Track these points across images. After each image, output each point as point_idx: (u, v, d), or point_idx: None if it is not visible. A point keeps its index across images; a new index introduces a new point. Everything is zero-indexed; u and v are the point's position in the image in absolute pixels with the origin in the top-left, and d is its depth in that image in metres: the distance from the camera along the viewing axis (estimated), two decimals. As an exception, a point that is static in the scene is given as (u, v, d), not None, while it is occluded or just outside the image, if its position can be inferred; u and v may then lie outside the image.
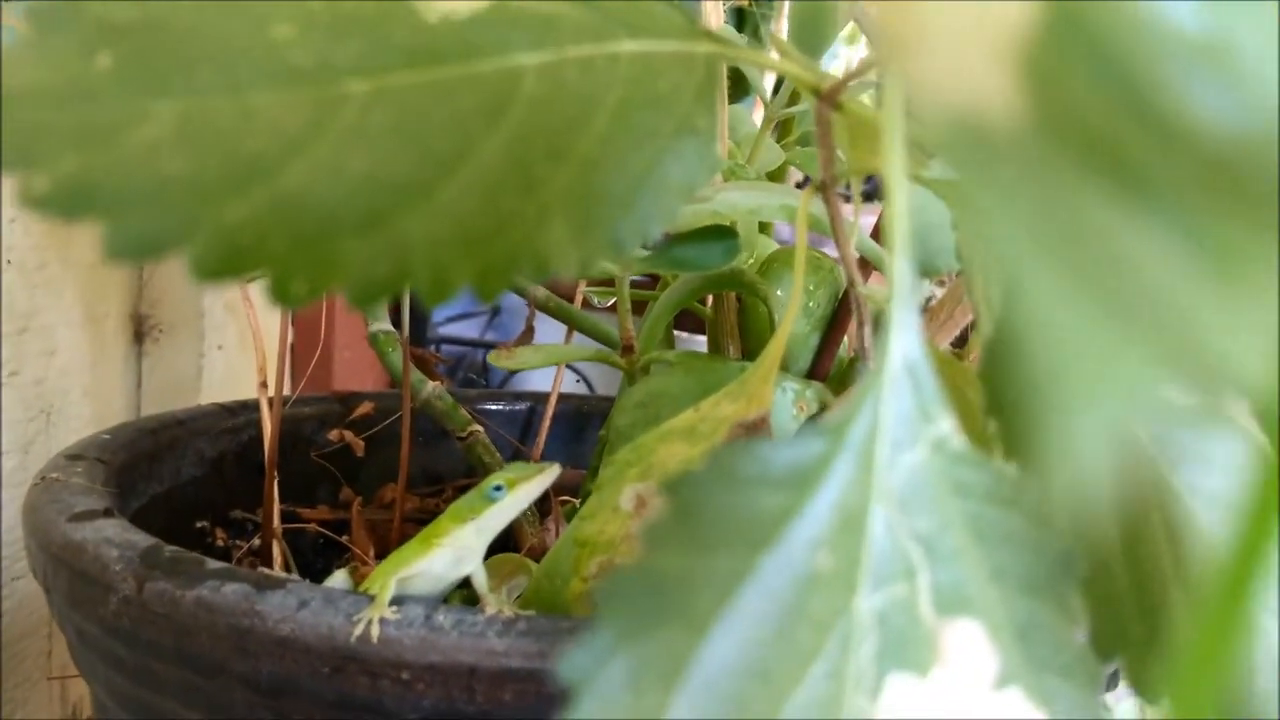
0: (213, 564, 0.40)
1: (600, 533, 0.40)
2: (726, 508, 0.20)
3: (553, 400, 0.79)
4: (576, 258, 0.22)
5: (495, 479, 0.42)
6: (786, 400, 0.44)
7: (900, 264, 0.23)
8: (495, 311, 1.59)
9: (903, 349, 0.23)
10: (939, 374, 0.23)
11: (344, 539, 0.63)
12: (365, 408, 0.74)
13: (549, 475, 0.42)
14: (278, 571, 0.42)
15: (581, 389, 1.31)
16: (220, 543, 0.62)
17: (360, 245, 0.20)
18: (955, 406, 0.23)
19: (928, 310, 0.50)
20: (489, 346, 1.43)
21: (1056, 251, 0.12)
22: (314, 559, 0.65)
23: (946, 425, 0.22)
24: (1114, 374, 0.11)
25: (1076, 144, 0.13)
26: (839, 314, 0.51)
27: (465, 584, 0.43)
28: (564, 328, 0.77)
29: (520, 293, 0.73)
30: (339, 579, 0.45)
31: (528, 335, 0.80)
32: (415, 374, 0.69)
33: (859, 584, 0.21)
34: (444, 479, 0.76)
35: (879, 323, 0.45)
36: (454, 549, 0.42)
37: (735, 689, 0.20)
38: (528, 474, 0.42)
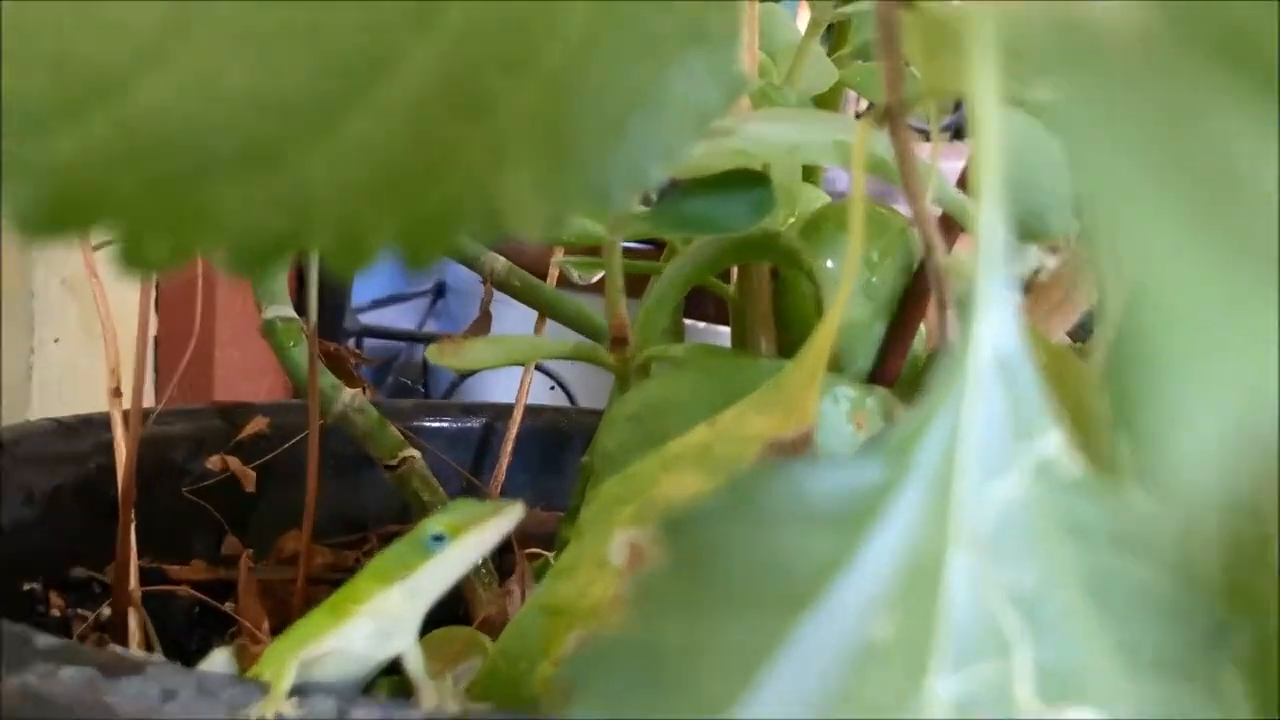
0: (45, 640, 0.40)
1: (580, 596, 0.40)
2: (750, 556, 0.20)
3: (517, 414, 0.80)
4: (542, 211, 0.22)
5: (434, 524, 0.42)
6: (838, 412, 0.44)
7: (990, 221, 0.23)
8: (438, 292, 1.59)
9: (992, 338, 0.23)
10: (1045, 373, 0.23)
11: (227, 607, 0.64)
12: (257, 425, 0.74)
13: (508, 518, 0.42)
14: (135, 651, 0.42)
15: (559, 399, 1.32)
16: (56, 612, 0.62)
17: (241, 190, 0.20)
18: (1069, 418, 0.23)
19: (1034, 287, 0.50)
20: (429, 340, 1.43)
21: (1184, 195, 0.12)
22: (186, 634, 0.65)
23: (1054, 443, 0.23)
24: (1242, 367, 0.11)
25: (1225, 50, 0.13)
26: (913, 293, 0.51)
27: (395, 668, 0.43)
28: (532, 314, 0.78)
29: (470, 264, 0.73)
30: (219, 660, 0.45)
31: (482, 324, 0.80)
32: (328, 378, 0.69)
33: (932, 662, 0.21)
34: (366, 524, 0.77)
35: (965, 304, 0.45)
36: (378, 620, 0.42)
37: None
38: (479, 517, 0.42)
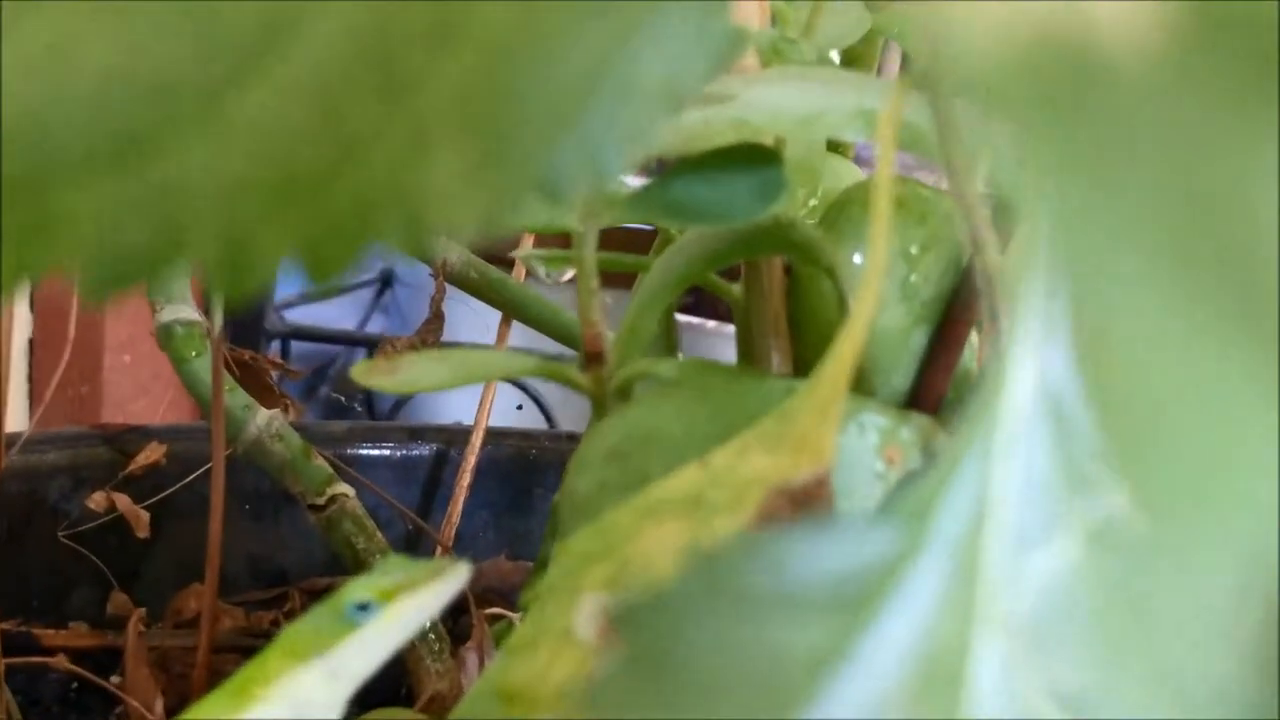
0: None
1: (540, 679, 0.40)
2: (725, 652, 0.20)
3: (476, 439, 0.80)
4: (475, 206, 0.22)
5: (359, 589, 0.42)
6: (865, 446, 0.44)
7: (1038, 211, 0.23)
8: (384, 283, 1.59)
9: (1038, 367, 0.23)
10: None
11: (112, 682, 0.64)
12: (152, 454, 0.74)
13: (451, 582, 0.43)
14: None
15: (530, 419, 1.32)
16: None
17: (96, 194, 0.20)
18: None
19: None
20: (372, 343, 1.42)
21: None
22: (62, 716, 0.65)
23: (1116, 501, 0.23)
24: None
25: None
26: (963, 294, 0.51)
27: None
28: (496, 313, 0.78)
29: (421, 257, 0.74)
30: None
31: (433, 327, 0.80)
32: (239, 395, 0.69)
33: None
34: (287, 577, 0.77)
35: (1006, 321, 0.45)
36: (290, 705, 0.42)
37: None
38: (415, 580, 0.42)
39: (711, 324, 1.28)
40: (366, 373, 0.47)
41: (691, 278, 0.50)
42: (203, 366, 0.68)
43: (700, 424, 0.44)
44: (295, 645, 0.42)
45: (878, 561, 0.21)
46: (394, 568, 0.43)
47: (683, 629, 0.20)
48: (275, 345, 1.37)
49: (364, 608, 0.42)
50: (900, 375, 0.51)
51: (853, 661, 0.21)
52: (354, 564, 0.67)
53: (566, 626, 0.40)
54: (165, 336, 0.69)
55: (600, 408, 0.49)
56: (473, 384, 0.52)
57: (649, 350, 0.53)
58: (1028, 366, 0.23)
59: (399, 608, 0.42)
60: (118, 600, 0.72)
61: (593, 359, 0.48)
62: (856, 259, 0.49)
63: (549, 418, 1.34)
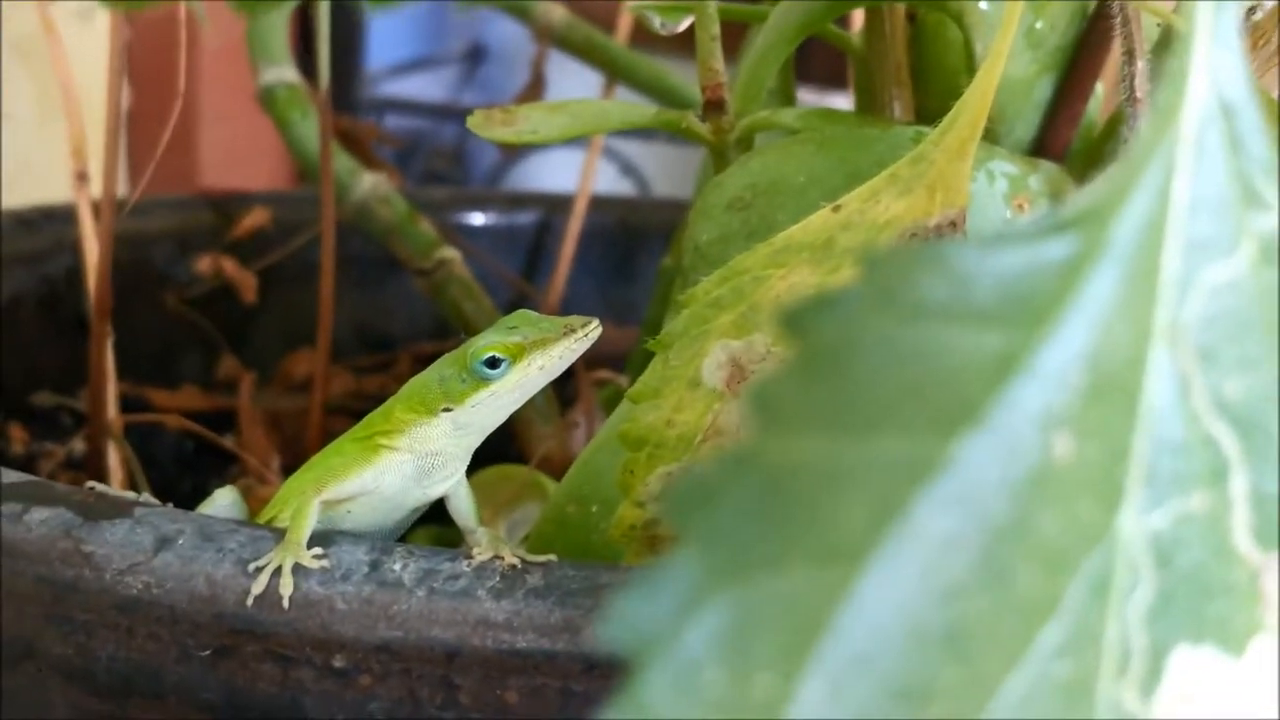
0: (10, 476, 0.41)
1: (667, 425, 0.40)
2: (898, 358, 0.20)
3: (580, 206, 0.79)
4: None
5: (488, 343, 0.42)
6: (994, 192, 0.44)
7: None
8: (474, 57, 1.57)
9: (1215, 81, 0.22)
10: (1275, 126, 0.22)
11: (227, 442, 0.65)
12: (257, 218, 0.74)
13: (583, 339, 0.43)
14: (118, 491, 0.43)
15: (628, 188, 1.31)
16: (19, 446, 0.63)
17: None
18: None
19: (1246, 32, 0.49)
20: (465, 115, 1.42)
21: None
22: (178, 475, 0.67)
23: (1287, 217, 0.22)
24: None
25: None
26: (1089, 40, 0.50)
27: (439, 513, 0.44)
28: (597, 81, 0.77)
29: (519, 13, 0.73)
30: (224, 501, 0.46)
31: (534, 92, 0.79)
32: (342, 160, 0.69)
33: (1126, 491, 0.21)
34: (395, 342, 0.77)
35: (1163, 51, 0.44)
36: (417, 456, 0.42)
37: (906, 666, 0.20)
38: (545, 336, 0.42)
39: (811, 95, 1.27)
40: (484, 124, 0.47)
41: (810, 26, 0.50)
42: (308, 130, 0.68)
43: (825, 171, 0.44)
44: (424, 396, 0.43)
45: (1051, 270, 0.21)
46: (524, 323, 0.43)
47: (854, 336, 0.20)
48: (373, 116, 1.36)
49: (494, 362, 0.42)
50: (1025, 125, 0.50)
51: (1027, 369, 0.21)
52: (462, 328, 0.67)
53: (694, 374, 0.40)
54: (268, 99, 0.69)
55: (720, 159, 0.48)
56: (586, 134, 0.51)
57: (769, 102, 0.52)
58: (1205, 81, 0.22)
59: (529, 365, 0.42)
60: (227, 364, 0.73)
61: (713, 108, 0.48)
62: (983, 5, 0.48)
63: (646, 186, 1.33)
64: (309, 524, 0.39)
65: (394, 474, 0.43)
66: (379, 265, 0.74)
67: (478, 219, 0.82)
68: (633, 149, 1.31)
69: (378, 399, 0.45)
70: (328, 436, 0.56)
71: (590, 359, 0.73)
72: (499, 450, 0.64)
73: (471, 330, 0.67)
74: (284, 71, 0.69)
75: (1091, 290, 0.21)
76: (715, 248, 0.45)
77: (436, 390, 0.42)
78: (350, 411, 0.67)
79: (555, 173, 1.22)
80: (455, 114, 1.46)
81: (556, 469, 0.60)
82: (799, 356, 0.19)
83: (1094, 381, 0.21)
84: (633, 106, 0.51)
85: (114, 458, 0.58)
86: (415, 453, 0.43)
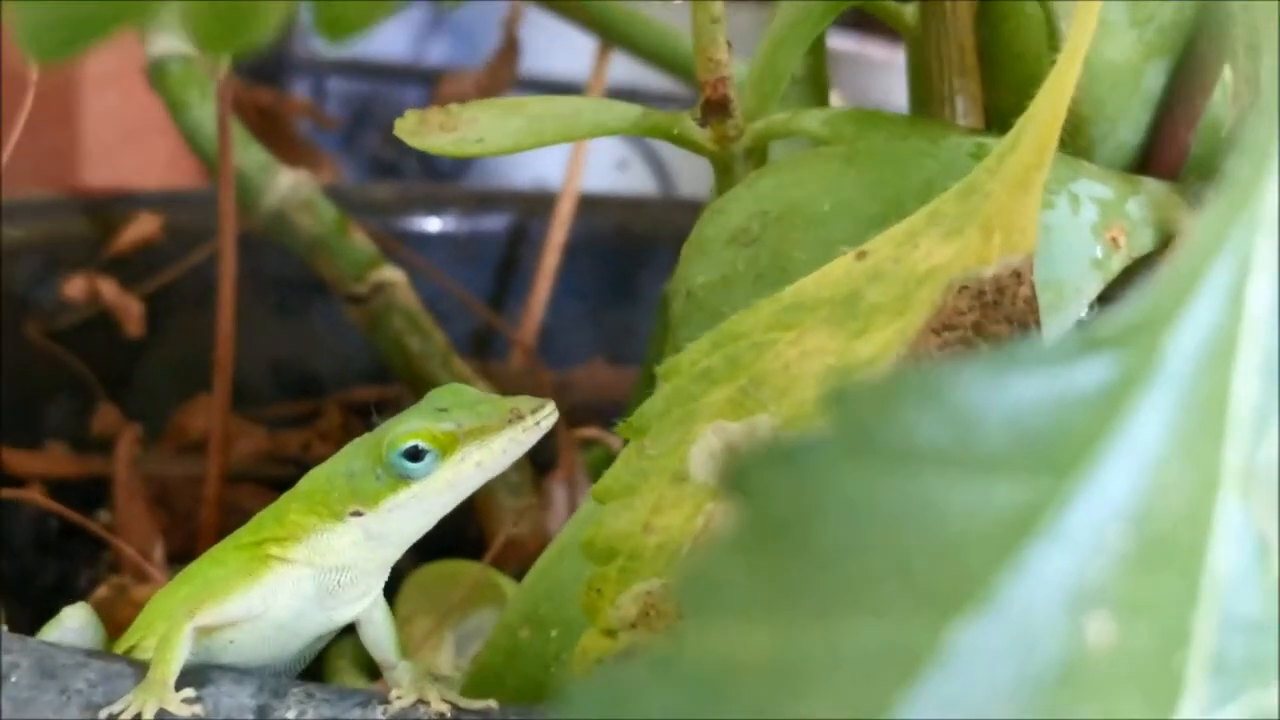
0: None
1: (645, 530, 0.39)
2: (875, 519, 0.20)
3: (565, 207, 0.79)
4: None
5: (409, 429, 0.42)
6: (1080, 224, 0.43)
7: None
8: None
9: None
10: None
11: (99, 521, 0.65)
12: (144, 227, 0.74)
13: (532, 429, 0.43)
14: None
15: (638, 179, 1.30)
16: None
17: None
18: None
19: None
20: (429, 77, 1.41)
21: None
22: (37, 563, 0.67)
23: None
24: None
25: None
26: (1210, 21, 0.50)
27: (350, 636, 0.44)
28: (589, 43, 0.77)
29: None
30: (72, 624, 0.46)
31: (505, 60, 0.80)
32: (254, 153, 0.69)
33: (1186, 685, 0.21)
34: (322, 387, 0.77)
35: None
36: (318, 572, 0.42)
37: None
38: (484, 424, 0.42)
39: (880, 50, 1.25)
40: (414, 130, 0.47)
41: (848, -1, 0.50)
42: (208, 114, 0.68)
43: (857, 196, 0.43)
44: (326, 497, 0.43)
45: (1088, 398, 0.21)
46: (456, 401, 0.43)
47: (819, 490, 0.19)
48: (306, 84, 1.35)
49: (416, 456, 0.42)
50: (1129, 127, 0.50)
51: (1055, 531, 0.21)
52: (405, 370, 0.67)
53: (677, 466, 0.40)
54: (159, 76, 0.69)
55: (725, 174, 0.48)
56: (553, 144, 0.51)
57: (792, 96, 0.52)
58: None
59: (460, 465, 0.42)
60: (105, 415, 0.73)
61: (715, 108, 0.47)
62: (1071, -23, 0.48)
63: (666, 176, 1.32)
64: (179, 657, 0.39)
65: (289, 594, 0.42)
66: (303, 287, 0.74)
67: (432, 225, 0.82)
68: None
69: (297, 462, 0.45)
70: (229, 513, 0.55)
71: (576, 411, 0.73)
72: (454, 532, 0.63)
73: (412, 372, 0.67)
74: (179, 41, 0.69)
75: (1138, 426, 0.21)
76: (714, 293, 0.45)
77: (344, 487, 0.42)
78: (262, 479, 0.67)
79: (544, 156, 1.22)
80: (417, 77, 1.46)
81: (525, 560, 0.60)
82: (745, 523, 0.19)
83: (1142, 545, 0.20)
84: (611, 107, 0.51)
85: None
86: (316, 567, 0.42)
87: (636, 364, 0.70)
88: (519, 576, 0.56)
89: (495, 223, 0.83)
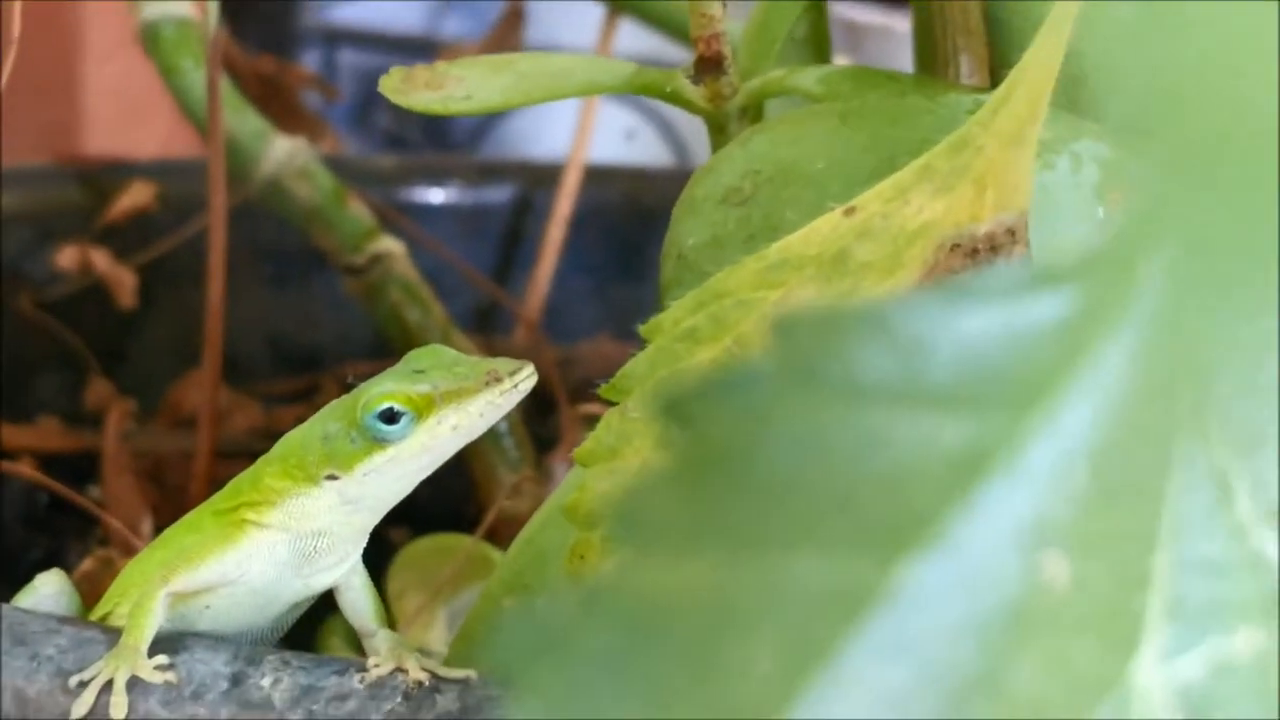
0: None
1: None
2: (818, 453, 0.20)
3: (571, 178, 0.79)
4: None
5: (384, 391, 0.42)
6: (1081, 183, 0.43)
7: None
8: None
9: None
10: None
11: (91, 496, 0.65)
12: (138, 195, 0.74)
13: (510, 391, 0.43)
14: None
15: (647, 149, 1.30)
16: None
17: None
18: None
19: None
20: (441, 51, 1.42)
21: None
22: (26, 538, 0.67)
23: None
24: None
25: None
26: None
27: (329, 607, 0.44)
28: (595, 10, 0.77)
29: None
30: (47, 590, 0.46)
31: (510, 27, 0.80)
32: (249, 120, 0.69)
33: (1144, 628, 0.21)
34: (321, 360, 0.77)
35: None
36: (294, 537, 0.42)
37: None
38: (461, 385, 0.42)
39: (902, 22, 1.25)
40: (399, 88, 0.47)
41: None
42: (201, 79, 0.68)
43: (851, 155, 0.43)
44: (301, 460, 0.43)
45: (1046, 332, 0.21)
46: (434, 363, 0.43)
47: (760, 422, 0.20)
48: (315, 55, 1.35)
49: (391, 419, 0.42)
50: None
51: (1010, 468, 0.21)
52: (404, 343, 0.67)
53: (662, 429, 0.39)
54: (151, 39, 0.69)
55: (719, 133, 0.48)
56: (543, 101, 0.51)
57: (792, 56, 0.52)
58: None
59: (437, 428, 0.42)
60: (97, 389, 0.73)
61: (708, 66, 0.47)
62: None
63: (682, 147, 1.32)
64: (152, 623, 0.39)
65: (264, 559, 0.42)
66: (301, 259, 0.74)
67: (435, 196, 0.82)
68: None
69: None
70: (221, 489, 0.56)
71: (579, 385, 0.73)
72: (450, 507, 0.64)
73: (410, 344, 0.67)
74: (172, 3, 0.69)
75: (1102, 362, 0.21)
76: (705, 254, 0.45)
77: (319, 451, 0.42)
78: (255, 455, 0.67)
79: (556, 130, 1.22)
80: (431, 49, 1.46)
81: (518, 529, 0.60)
82: (682, 455, 0.19)
83: (1101, 483, 0.20)
84: (603, 64, 0.51)
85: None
86: (292, 532, 0.42)
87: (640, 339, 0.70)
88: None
89: (499, 194, 0.83)
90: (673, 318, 0.38)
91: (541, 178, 0.82)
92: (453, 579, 0.56)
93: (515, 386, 0.42)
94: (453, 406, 0.42)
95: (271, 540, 0.42)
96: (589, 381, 0.73)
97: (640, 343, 0.75)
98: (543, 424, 0.70)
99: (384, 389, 0.42)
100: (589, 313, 0.81)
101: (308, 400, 0.74)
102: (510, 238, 0.82)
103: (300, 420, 0.71)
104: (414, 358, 0.43)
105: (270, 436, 0.70)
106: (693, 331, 0.38)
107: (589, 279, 0.81)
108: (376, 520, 0.43)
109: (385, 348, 0.72)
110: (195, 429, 0.69)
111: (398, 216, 0.74)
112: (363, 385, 0.43)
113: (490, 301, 0.80)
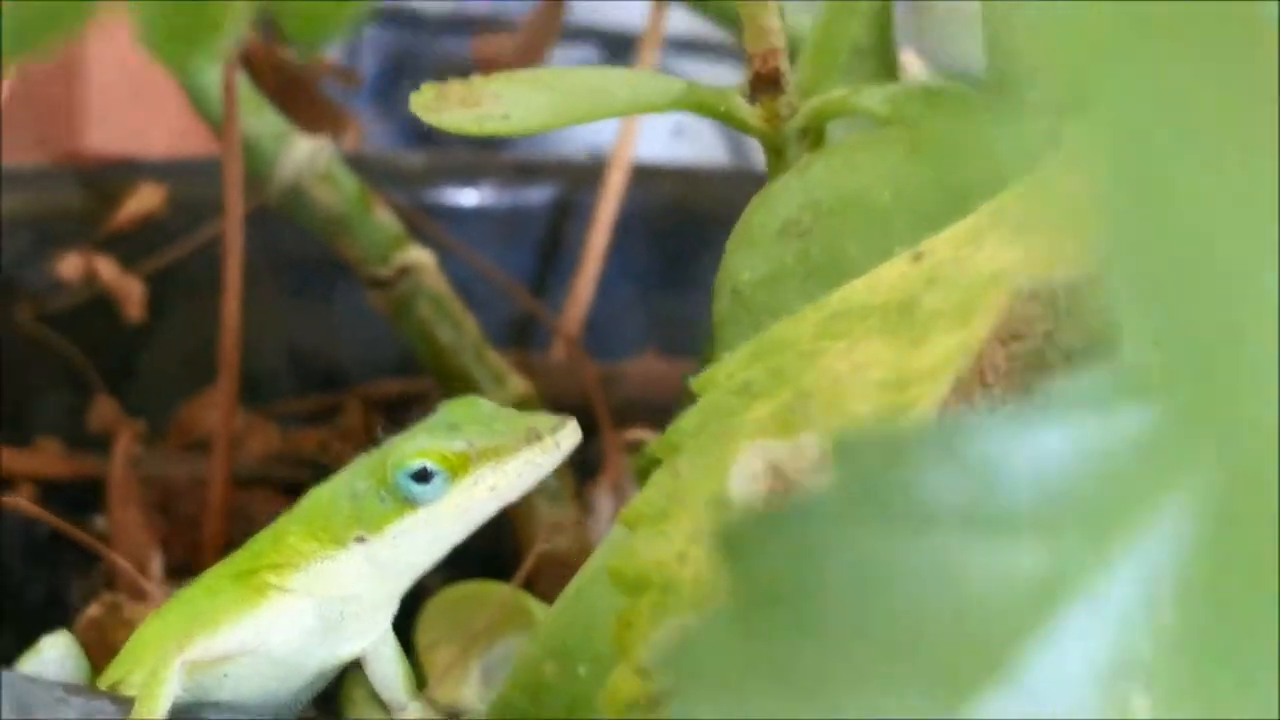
0: None
1: (681, 560, 0.39)
2: (881, 587, 0.19)
3: (615, 178, 0.79)
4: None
5: (417, 448, 0.42)
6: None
7: None
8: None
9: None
10: None
11: (94, 529, 0.64)
12: (147, 198, 0.74)
13: (552, 451, 0.43)
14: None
15: (698, 144, 1.30)
16: None
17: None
18: None
19: None
20: (472, 28, 1.41)
21: None
22: (26, 575, 0.66)
23: None
24: None
25: None
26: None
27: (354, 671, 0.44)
28: None
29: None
30: (52, 654, 0.46)
31: (549, 16, 0.79)
32: (268, 118, 0.69)
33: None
34: (344, 379, 0.77)
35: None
36: (320, 603, 0.42)
37: None
38: (499, 443, 0.42)
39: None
40: (432, 106, 0.46)
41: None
42: (215, 76, 0.68)
43: (920, 188, 0.43)
44: (327, 520, 0.42)
45: (1131, 451, 0.20)
46: (471, 417, 0.43)
47: (819, 556, 0.19)
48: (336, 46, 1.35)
49: (424, 478, 0.42)
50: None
51: (1090, 601, 0.20)
52: (433, 362, 0.67)
53: (714, 490, 0.39)
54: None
55: (777, 156, 0.48)
56: (586, 121, 0.50)
57: (854, 69, 0.52)
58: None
59: (473, 489, 0.42)
60: (103, 410, 0.73)
61: (764, 83, 0.47)
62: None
63: (735, 145, 1.32)
64: (167, 694, 0.39)
65: (287, 627, 0.42)
66: (323, 270, 0.74)
67: (467, 197, 0.81)
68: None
69: (314, 464, 0.45)
70: (237, 521, 0.55)
71: (623, 406, 0.73)
72: (487, 547, 0.63)
73: (447, 369, 0.67)
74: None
75: (1192, 483, 0.20)
76: (761, 290, 0.44)
77: (346, 510, 0.42)
78: (275, 481, 0.67)
79: (603, 123, 1.21)
80: (460, 26, 1.46)
81: (565, 579, 0.59)
82: (736, 591, 0.19)
83: (1188, 618, 0.20)
84: (650, 80, 0.51)
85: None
86: (317, 597, 0.42)
87: (693, 357, 0.69)
88: (553, 598, 0.56)
89: (537, 196, 0.82)
90: (727, 370, 0.38)
91: (583, 177, 0.82)
92: (487, 630, 0.55)
93: (557, 445, 0.42)
94: (490, 466, 0.42)
95: (295, 606, 0.42)
96: (634, 403, 0.73)
97: (689, 355, 0.75)
98: (584, 449, 0.69)
99: (417, 445, 0.42)
100: (634, 327, 0.81)
101: (328, 422, 0.74)
102: (548, 244, 0.82)
103: (323, 444, 0.72)
104: (449, 409, 0.43)
105: (288, 462, 0.70)
106: (748, 385, 0.37)
107: (634, 289, 0.81)
108: (408, 586, 0.43)
109: (412, 365, 0.71)
110: (208, 453, 0.69)
111: (426, 220, 0.74)
112: (394, 440, 0.42)
113: (526, 314, 0.79)
